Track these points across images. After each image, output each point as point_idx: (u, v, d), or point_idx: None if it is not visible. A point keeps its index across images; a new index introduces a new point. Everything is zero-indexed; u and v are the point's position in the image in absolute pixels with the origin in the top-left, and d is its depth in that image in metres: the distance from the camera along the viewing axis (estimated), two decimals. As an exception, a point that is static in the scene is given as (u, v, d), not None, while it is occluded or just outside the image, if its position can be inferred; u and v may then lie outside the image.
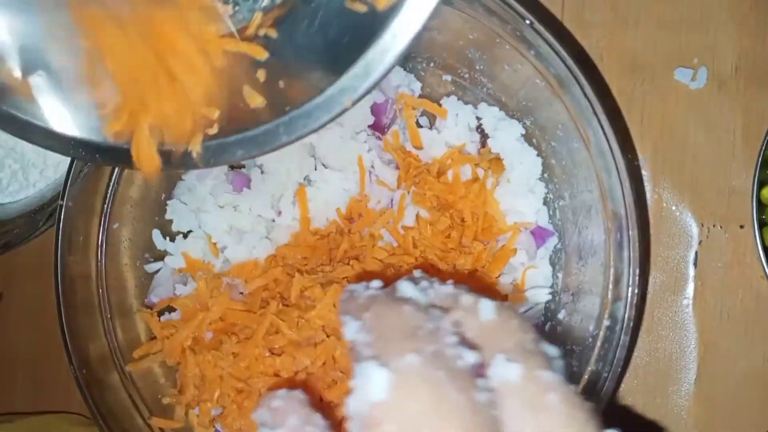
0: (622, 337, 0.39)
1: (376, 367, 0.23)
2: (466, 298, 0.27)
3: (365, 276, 0.47)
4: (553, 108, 0.43)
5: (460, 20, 0.45)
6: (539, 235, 0.48)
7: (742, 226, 0.55)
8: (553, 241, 0.49)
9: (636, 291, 0.39)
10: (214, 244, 0.51)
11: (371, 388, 0.23)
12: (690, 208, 0.55)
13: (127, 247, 0.49)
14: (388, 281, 0.29)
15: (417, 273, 0.30)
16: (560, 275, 0.48)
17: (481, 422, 0.23)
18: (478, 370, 0.25)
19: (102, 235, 0.47)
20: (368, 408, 0.23)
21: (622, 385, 0.55)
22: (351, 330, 0.26)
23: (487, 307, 0.27)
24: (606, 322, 0.40)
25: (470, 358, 0.25)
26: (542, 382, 0.24)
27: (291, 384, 0.44)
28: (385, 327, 0.26)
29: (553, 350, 0.26)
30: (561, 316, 0.47)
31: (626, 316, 0.39)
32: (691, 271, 0.55)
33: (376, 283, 0.29)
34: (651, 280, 0.55)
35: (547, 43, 0.40)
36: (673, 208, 0.55)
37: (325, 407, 0.44)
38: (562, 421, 0.24)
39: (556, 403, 0.24)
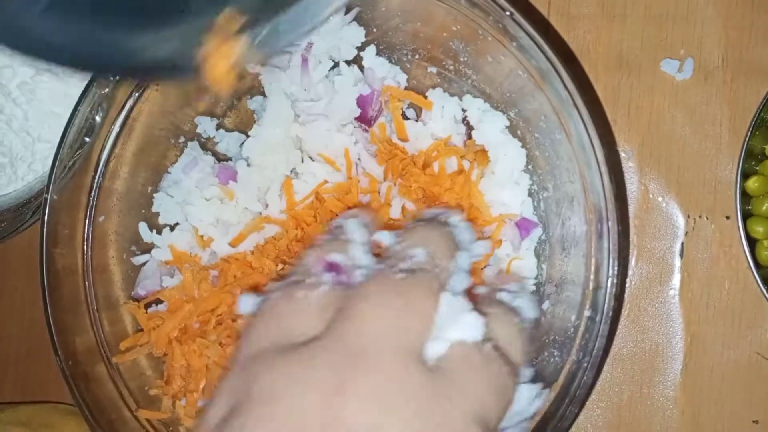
0: (602, 327, 0.39)
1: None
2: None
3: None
4: (536, 100, 0.44)
5: (443, 12, 0.45)
6: (524, 226, 0.49)
7: (728, 217, 0.55)
8: (537, 233, 0.49)
9: (615, 281, 0.39)
10: (201, 236, 0.51)
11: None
12: (676, 200, 0.55)
13: (113, 240, 0.49)
14: None
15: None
16: (545, 266, 0.49)
17: (294, 309, 0.31)
18: None
19: (88, 229, 0.47)
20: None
21: (608, 375, 0.55)
22: None
23: (385, 236, 0.36)
24: (587, 313, 0.40)
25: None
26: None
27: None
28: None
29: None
30: (545, 306, 0.47)
31: (606, 306, 0.39)
32: (678, 262, 0.55)
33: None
34: (637, 271, 0.55)
35: (527, 35, 0.40)
36: (660, 199, 0.56)
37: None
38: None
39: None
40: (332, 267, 0.33)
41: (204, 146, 0.54)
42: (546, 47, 0.40)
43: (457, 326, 0.30)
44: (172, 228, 0.52)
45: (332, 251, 0.34)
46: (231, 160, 0.53)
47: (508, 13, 0.40)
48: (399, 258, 0.33)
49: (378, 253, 0.36)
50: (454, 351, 0.29)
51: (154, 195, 0.52)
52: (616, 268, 0.39)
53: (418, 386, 0.27)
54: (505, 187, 0.49)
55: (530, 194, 0.49)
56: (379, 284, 0.31)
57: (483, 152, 0.50)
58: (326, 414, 0.26)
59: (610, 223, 0.39)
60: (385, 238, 0.36)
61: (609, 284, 0.40)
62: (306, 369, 0.28)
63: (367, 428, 0.26)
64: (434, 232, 0.35)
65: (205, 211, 0.50)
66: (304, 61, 0.50)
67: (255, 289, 0.47)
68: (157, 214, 0.51)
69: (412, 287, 0.30)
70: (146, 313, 0.50)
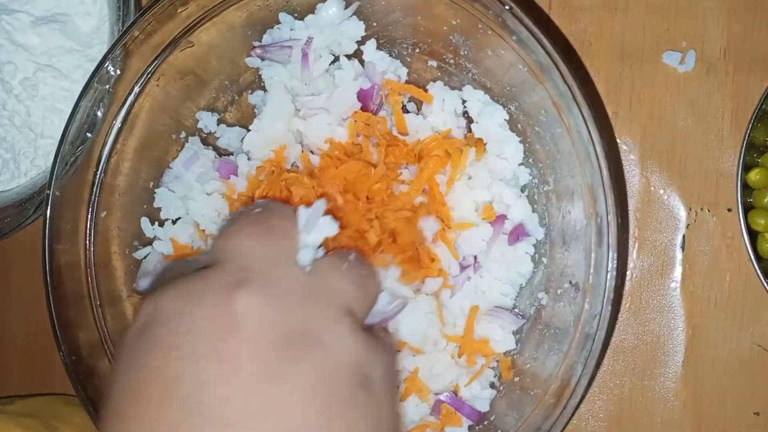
0: (601, 320, 0.39)
1: None
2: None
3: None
4: (537, 94, 0.44)
5: (443, 6, 0.45)
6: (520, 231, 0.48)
7: (729, 210, 0.55)
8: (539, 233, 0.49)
9: (615, 275, 0.39)
10: (203, 231, 0.51)
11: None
12: (678, 192, 0.55)
13: (115, 235, 0.50)
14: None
15: None
16: (545, 260, 0.48)
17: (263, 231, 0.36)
18: None
19: (90, 224, 0.48)
20: None
21: (610, 367, 0.55)
22: None
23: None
24: (587, 306, 0.40)
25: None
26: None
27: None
28: None
29: None
30: (545, 301, 0.47)
31: (605, 300, 0.39)
32: (679, 255, 0.55)
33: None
34: (639, 263, 0.55)
35: (527, 29, 0.40)
36: (661, 191, 0.56)
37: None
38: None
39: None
40: None
41: (205, 141, 0.54)
42: (546, 42, 0.40)
43: (317, 230, 0.36)
44: (174, 222, 0.52)
45: None
46: (232, 154, 0.54)
47: (507, 7, 0.40)
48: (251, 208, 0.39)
49: None
50: (324, 260, 0.36)
51: (156, 190, 0.52)
52: (615, 261, 0.39)
53: (297, 283, 0.34)
54: (503, 183, 0.49)
55: (530, 188, 0.49)
56: (242, 216, 0.38)
57: (481, 144, 0.49)
58: (221, 313, 0.32)
59: (609, 216, 0.39)
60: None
61: (609, 278, 0.40)
62: (200, 289, 0.33)
63: (255, 320, 0.31)
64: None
65: (207, 206, 0.51)
66: (305, 55, 0.50)
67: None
68: (159, 209, 0.51)
69: (270, 214, 0.37)
70: (149, 307, 0.50)
